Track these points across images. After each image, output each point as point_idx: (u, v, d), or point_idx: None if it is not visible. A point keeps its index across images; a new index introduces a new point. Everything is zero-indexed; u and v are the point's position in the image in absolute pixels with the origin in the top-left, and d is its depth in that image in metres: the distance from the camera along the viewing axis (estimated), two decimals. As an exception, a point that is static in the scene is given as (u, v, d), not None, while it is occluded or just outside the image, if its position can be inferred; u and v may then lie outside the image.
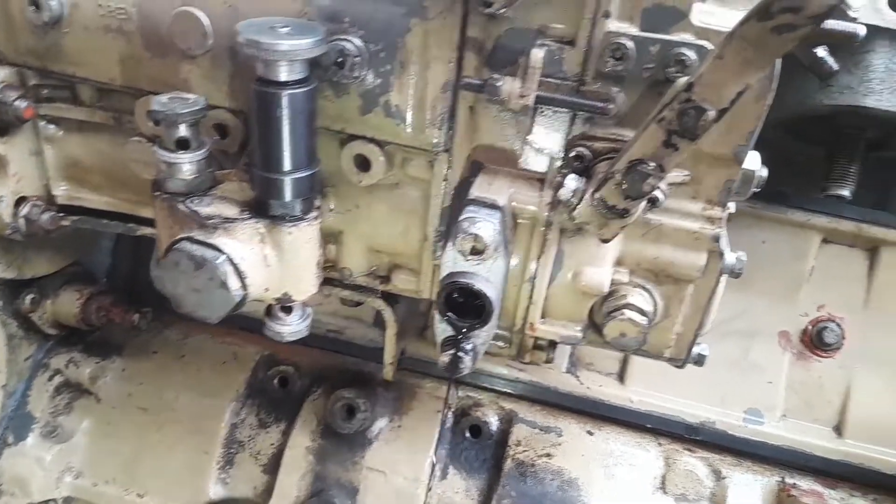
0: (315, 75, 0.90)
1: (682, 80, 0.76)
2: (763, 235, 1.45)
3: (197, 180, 0.97)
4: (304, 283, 1.02)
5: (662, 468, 1.42)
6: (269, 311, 1.08)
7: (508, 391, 1.50)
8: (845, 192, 1.25)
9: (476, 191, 0.97)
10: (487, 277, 0.97)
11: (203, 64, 0.98)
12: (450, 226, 1.04)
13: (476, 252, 0.93)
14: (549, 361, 1.16)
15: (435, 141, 0.98)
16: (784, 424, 1.45)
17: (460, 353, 1.02)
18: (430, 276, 1.12)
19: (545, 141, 0.96)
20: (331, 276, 1.18)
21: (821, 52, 1.10)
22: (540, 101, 0.90)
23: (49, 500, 1.49)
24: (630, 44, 0.85)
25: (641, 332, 0.99)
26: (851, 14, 1.02)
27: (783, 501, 1.38)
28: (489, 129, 0.97)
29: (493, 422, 1.47)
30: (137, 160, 1.12)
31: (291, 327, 1.07)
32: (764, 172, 0.98)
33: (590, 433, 1.46)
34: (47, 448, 1.50)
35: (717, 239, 0.97)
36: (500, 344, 1.14)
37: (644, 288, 1.03)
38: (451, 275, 0.97)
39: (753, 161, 0.98)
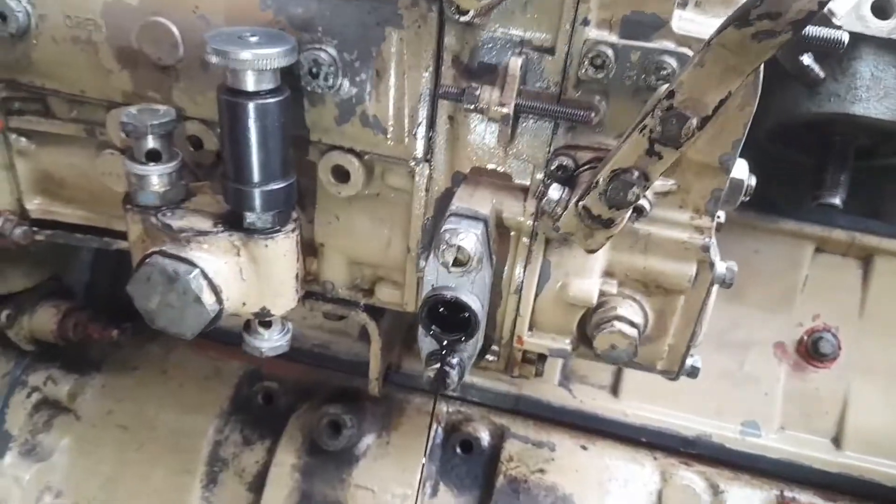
0: (289, 85, 0.87)
1: (664, 88, 0.74)
2: (756, 245, 1.43)
3: (169, 193, 0.94)
4: (283, 298, 0.99)
5: (659, 483, 1.39)
6: (247, 325, 1.06)
7: (500, 405, 1.47)
8: (836, 201, 1.23)
9: (458, 202, 0.94)
10: (471, 290, 0.94)
11: (174, 75, 0.96)
12: (433, 237, 1.01)
13: (459, 264, 0.91)
14: (538, 375, 1.13)
15: (415, 152, 0.96)
16: (781, 436, 1.42)
17: (446, 368, 0.99)
18: (415, 289, 1.09)
19: (527, 151, 0.94)
20: (313, 289, 1.15)
21: (806, 59, 1.09)
22: (520, 109, 0.88)
23: (28, 521, 1.46)
24: (610, 52, 0.84)
25: (632, 345, 0.96)
26: (835, 21, 1.01)
27: (782, 516, 1.35)
28: (469, 138, 0.95)
29: (485, 437, 1.44)
30: (110, 173, 1.09)
31: (271, 343, 1.05)
32: (752, 181, 0.96)
33: (584, 448, 1.43)
34: (26, 467, 1.47)
35: (706, 249, 0.95)
36: (489, 357, 1.11)
37: (634, 299, 1.01)
38: (434, 288, 0.94)
39: (741, 170, 0.96)
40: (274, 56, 0.80)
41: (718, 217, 1.04)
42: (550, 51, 0.87)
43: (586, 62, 0.85)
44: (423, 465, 1.35)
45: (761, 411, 1.42)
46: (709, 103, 0.72)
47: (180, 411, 1.46)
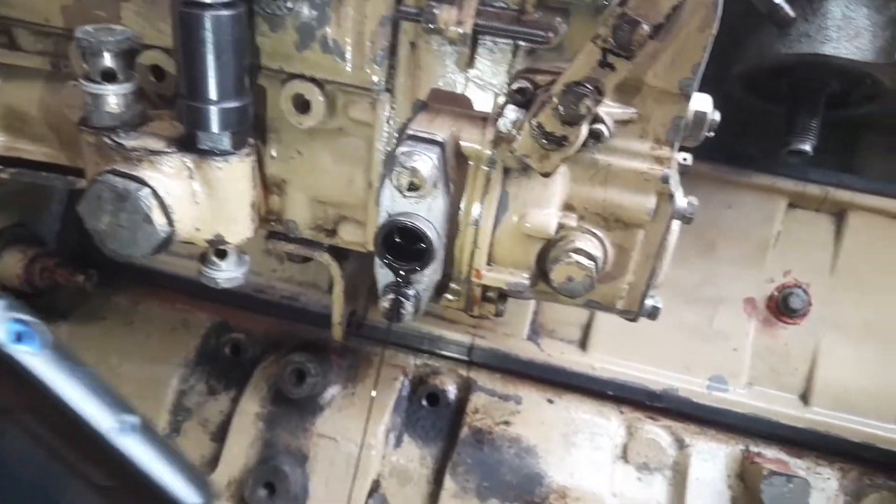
0: (250, 9, 0.86)
1: (618, -4, 0.73)
2: (728, 200, 1.42)
3: (125, 115, 0.93)
4: (238, 225, 0.98)
5: (624, 437, 1.38)
6: (203, 257, 1.04)
7: (467, 359, 1.45)
8: (806, 147, 1.22)
9: (415, 125, 0.93)
10: (427, 217, 0.93)
11: (138, 2, 0.95)
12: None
13: (414, 188, 0.90)
14: (498, 315, 1.11)
15: (376, 79, 0.95)
16: (749, 392, 1.41)
17: (401, 299, 0.98)
18: (376, 228, 1.08)
19: (487, 75, 0.93)
20: (276, 229, 1.14)
21: (776, -2, 1.08)
22: (479, 29, 0.87)
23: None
24: (569, -33, 0.82)
25: (588, 276, 0.95)
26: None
27: (747, 470, 1.34)
28: (431, 64, 0.94)
29: (451, 390, 1.43)
30: (72, 105, 1.08)
31: (226, 273, 1.03)
32: (717, 116, 0.95)
33: (550, 401, 1.42)
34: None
35: (666, 180, 0.94)
36: (448, 297, 1.10)
37: (593, 233, 0.99)
38: (389, 215, 0.93)
39: (705, 103, 0.95)
40: (227, -39, 0.79)
41: (685, 159, 1.04)
42: (509, -32, 0.85)
43: (545, -21, 0.84)
44: (373, 396, 1.33)
45: (729, 367, 1.41)
46: (661, 9, 0.71)
47: (145, 361, 1.45)
